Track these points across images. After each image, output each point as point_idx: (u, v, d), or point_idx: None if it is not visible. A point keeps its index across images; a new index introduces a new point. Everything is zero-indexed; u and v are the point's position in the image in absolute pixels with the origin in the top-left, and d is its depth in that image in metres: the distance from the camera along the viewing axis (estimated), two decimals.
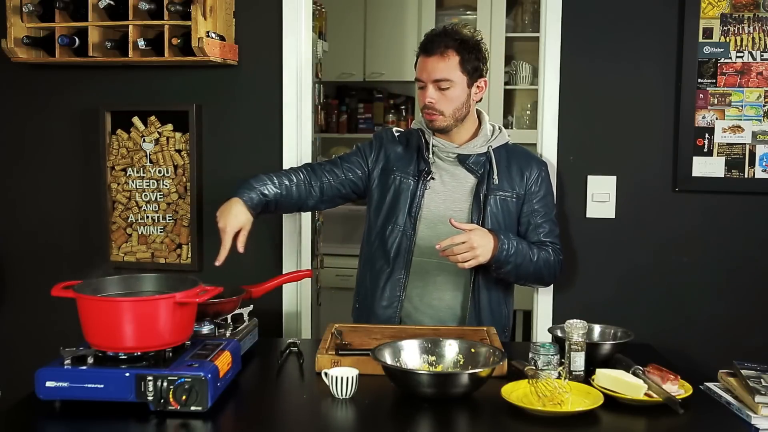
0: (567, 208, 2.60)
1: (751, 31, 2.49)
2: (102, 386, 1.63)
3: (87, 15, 2.51)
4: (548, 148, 2.58)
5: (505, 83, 4.47)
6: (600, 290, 2.61)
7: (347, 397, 1.73)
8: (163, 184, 2.74)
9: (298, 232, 2.71)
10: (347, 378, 1.73)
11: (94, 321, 1.67)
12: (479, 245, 2.10)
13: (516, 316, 4.31)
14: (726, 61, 2.50)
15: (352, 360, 1.86)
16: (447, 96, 2.20)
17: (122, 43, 2.53)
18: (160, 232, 2.76)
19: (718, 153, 2.53)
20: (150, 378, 1.62)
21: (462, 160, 2.29)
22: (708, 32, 2.50)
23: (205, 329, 1.95)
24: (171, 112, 2.71)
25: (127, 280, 1.85)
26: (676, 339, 2.55)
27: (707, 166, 2.53)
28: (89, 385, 1.63)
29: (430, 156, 2.29)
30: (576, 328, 1.87)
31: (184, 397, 1.61)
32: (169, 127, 2.72)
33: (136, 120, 2.73)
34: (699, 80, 2.51)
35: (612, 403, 1.70)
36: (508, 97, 4.54)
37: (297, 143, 2.67)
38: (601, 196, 2.58)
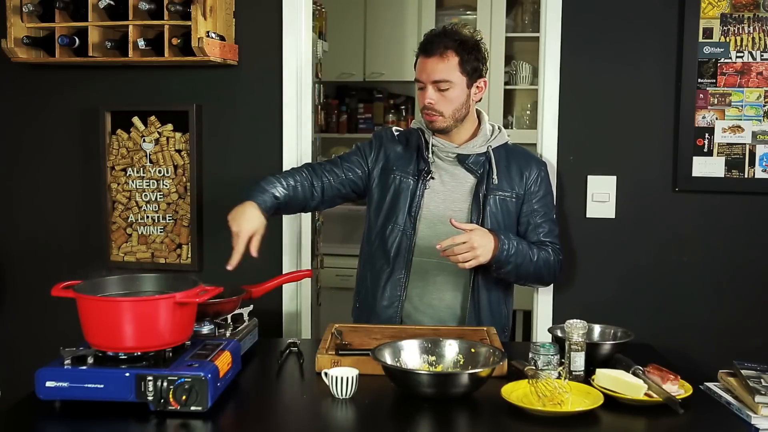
0: (567, 208, 2.60)
1: (751, 31, 2.49)
2: (102, 386, 1.63)
3: (87, 15, 2.51)
4: (548, 148, 2.58)
5: (505, 83, 4.47)
6: (600, 290, 2.61)
7: (347, 397, 1.73)
8: (163, 184, 2.74)
9: (298, 232, 2.71)
10: (347, 378, 1.73)
11: (94, 321, 1.67)
12: (480, 245, 2.10)
13: (516, 316, 4.31)
14: (726, 61, 2.50)
15: (352, 360, 1.86)
16: (446, 97, 2.20)
17: (122, 43, 2.53)
18: (160, 232, 2.76)
19: (718, 153, 2.53)
20: (150, 378, 1.62)
21: (461, 159, 2.29)
22: (708, 32, 2.50)
23: (205, 329, 1.95)
24: (171, 112, 2.71)
25: (127, 280, 1.85)
26: (676, 339, 2.55)
27: (707, 166, 2.53)
28: (89, 385, 1.63)
29: (430, 156, 2.29)
30: (576, 328, 1.87)
31: (184, 397, 1.61)
32: (169, 127, 2.72)
33: (136, 120, 2.73)
34: (699, 80, 2.51)
35: (612, 403, 1.70)
36: (508, 97, 4.54)
37: (297, 143, 2.67)
38: (601, 196, 2.59)
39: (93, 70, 2.73)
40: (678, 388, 1.76)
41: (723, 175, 2.53)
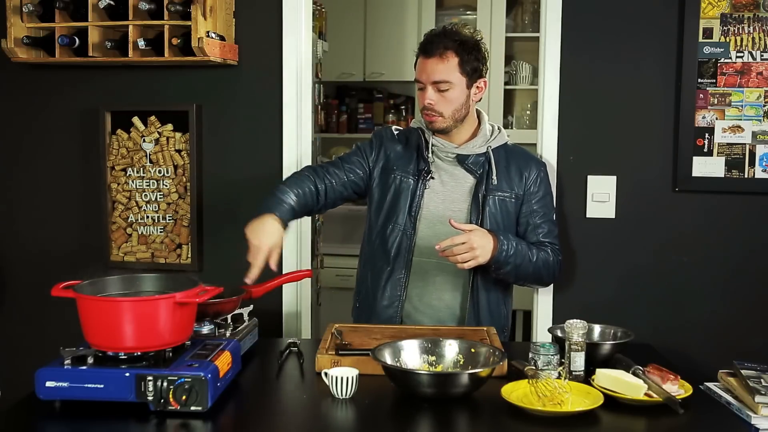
0: (567, 208, 2.60)
1: (751, 31, 2.49)
2: (102, 386, 1.63)
3: (87, 15, 2.51)
4: (548, 148, 2.58)
5: (505, 83, 4.47)
6: (600, 290, 2.61)
7: (347, 397, 1.73)
8: (163, 184, 2.74)
9: (298, 232, 2.71)
10: (347, 378, 1.73)
11: (94, 321, 1.67)
12: (479, 246, 2.10)
13: (516, 316, 4.31)
14: (726, 61, 2.50)
15: (352, 360, 1.86)
16: (446, 97, 2.20)
17: (122, 43, 2.53)
18: (160, 232, 2.76)
19: (718, 153, 2.53)
20: (150, 378, 1.62)
21: (461, 160, 2.29)
22: (708, 32, 2.50)
23: (205, 329, 1.95)
24: (171, 112, 2.71)
25: (127, 280, 1.85)
26: (676, 339, 2.55)
27: (707, 166, 2.53)
28: (89, 385, 1.63)
29: (430, 155, 2.29)
30: (576, 328, 1.87)
31: (184, 397, 1.61)
32: (169, 127, 2.72)
33: (136, 120, 2.73)
34: (699, 80, 2.51)
35: (612, 403, 1.70)
36: (508, 97, 4.54)
37: (297, 143, 2.67)
38: (601, 196, 2.59)
39: (93, 70, 2.73)
40: (678, 388, 1.76)
41: (723, 175, 2.53)
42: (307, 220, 2.72)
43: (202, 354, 1.74)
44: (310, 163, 2.72)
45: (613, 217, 2.59)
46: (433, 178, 2.29)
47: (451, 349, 1.88)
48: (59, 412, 1.65)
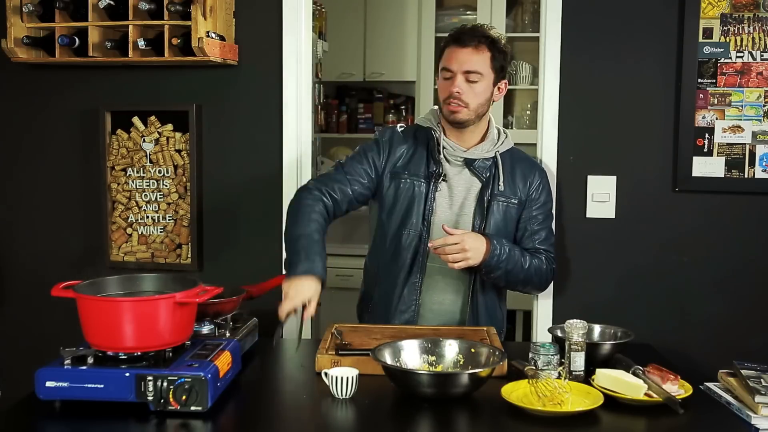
0: (567, 208, 2.60)
1: (751, 31, 2.49)
2: (102, 386, 1.63)
3: (87, 15, 2.51)
4: (548, 148, 2.58)
5: None
6: (600, 290, 2.61)
7: (347, 397, 1.73)
8: (163, 184, 2.74)
9: None
10: (347, 378, 1.73)
11: (94, 321, 1.67)
12: (471, 248, 2.10)
13: (516, 316, 4.31)
14: (726, 61, 2.50)
15: (352, 360, 1.86)
16: (474, 89, 2.19)
17: (122, 43, 2.53)
18: (160, 232, 2.76)
19: (718, 153, 2.53)
20: (150, 378, 1.62)
21: (468, 163, 2.28)
22: (708, 32, 2.49)
23: (205, 329, 1.95)
24: (171, 112, 2.71)
25: (127, 280, 1.85)
26: (676, 339, 2.55)
27: (707, 166, 2.53)
28: (89, 385, 1.63)
29: (441, 156, 2.27)
30: (576, 328, 1.87)
31: (184, 397, 1.61)
32: (169, 127, 2.72)
33: (136, 120, 2.73)
34: (699, 80, 2.51)
35: (612, 403, 1.70)
36: (508, 97, 4.54)
37: (297, 143, 2.67)
38: (601, 196, 2.58)
39: (93, 70, 2.73)
40: (678, 388, 1.76)
41: (723, 175, 2.53)
42: None
43: (202, 354, 1.74)
44: (309, 163, 2.72)
45: (613, 217, 2.59)
46: (445, 180, 2.27)
47: (451, 349, 1.88)
48: (59, 412, 1.65)
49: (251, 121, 2.69)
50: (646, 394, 1.71)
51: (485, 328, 2.17)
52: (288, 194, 2.57)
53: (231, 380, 1.79)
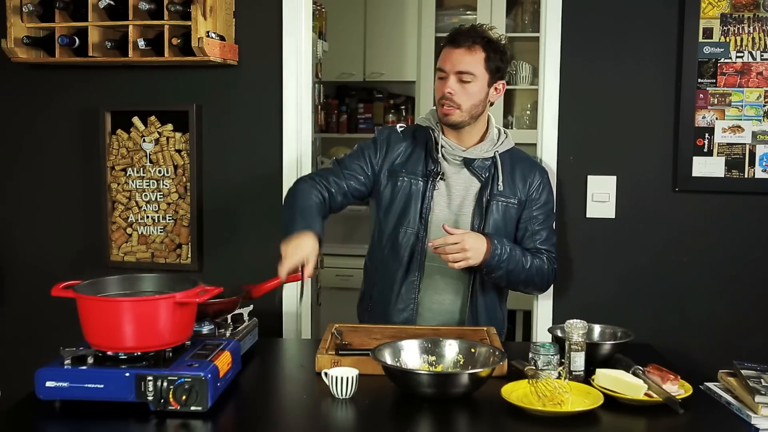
0: (567, 208, 2.60)
1: (751, 31, 2.49)
2: (102, 386, 1.63)
3: (87, 15, 2.51)
4: (548, 148, 2.58)
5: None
6: (600, 290, 2.61)
7: (347, 397, 1.73)
8: (163, 184, 2.74)
9: None
10: (347, 378, 1.72)
11: (94, 321, 1.67)
12: (471, 248, 2.10)
13: (516, 316, 4.31)
14: (726, 61, 2.50)
15: (352, 360, 1.86)
16: (467, 90, 2.19)
17: (122, 43, 2.53)
18: (160, 232, 2.76)
19: (718, 153, 2.53)
20: (150, 378, 1.62)
21: (467, 163, 2.28)
22: (708, 32, 2.49)
23: (205, 329, 1.94)
24: (171, 112, 2.71)
25: (127, 280, 1.84)
26: (676, 339, 2.55)
27: (707, 166, 2.53)
28: (89, 385, 1.63)
29: (440, 156, 2.28)
30: (576, 328, 1.87)
31: (184, 397, 1.61)
32: (169, 127, 2.72)
33: (136, 120, 2.73)
34: (699, 80, 2.51)
35: (612, 403, 1.70)
36: (508, 97, 4.54)
37: (297, 143, 2.67)
38: (601, 196, 2.58)
39: (93, 70, 2.73)
40: (678, 388, 1.76)
41: (723, 175, 2.53)
42: None
43: (202, 354, 1.74)
44: (309, 163, 2.72)
45: (613, 217, 2.59)
46: (443, 179, 2.27)
47: (451, 349, 1.88)
48: (59, 412, 1.65)
49: (251, 121, 2.69)
50: (646, 394, 1.71)
51: (485, 328, 2.17)
52: None
53: (231, 380, 1.79)
